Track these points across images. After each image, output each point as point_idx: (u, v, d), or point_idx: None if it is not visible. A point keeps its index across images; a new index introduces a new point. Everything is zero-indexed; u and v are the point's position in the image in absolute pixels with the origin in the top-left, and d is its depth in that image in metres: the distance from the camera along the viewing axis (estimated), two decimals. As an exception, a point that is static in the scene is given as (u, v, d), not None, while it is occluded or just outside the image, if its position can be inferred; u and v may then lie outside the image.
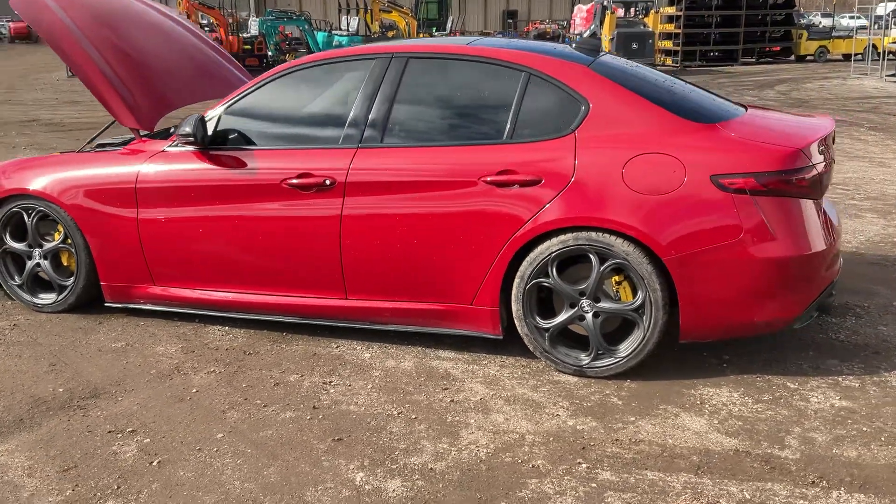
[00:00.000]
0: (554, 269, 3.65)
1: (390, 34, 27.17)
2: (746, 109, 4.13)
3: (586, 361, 3.70)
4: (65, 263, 4.60)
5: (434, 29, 30.40)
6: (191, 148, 4.15)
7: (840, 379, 3.68)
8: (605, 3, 25.54)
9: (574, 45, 4.23)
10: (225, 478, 2.96)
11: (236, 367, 3.90)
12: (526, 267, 3.69)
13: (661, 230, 3.47)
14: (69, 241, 4.46)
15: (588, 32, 26.01)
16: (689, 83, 4.29)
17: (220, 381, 3.74)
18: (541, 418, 3.36)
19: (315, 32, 27.28)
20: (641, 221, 3.48)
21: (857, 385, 3.61)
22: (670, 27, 28.28)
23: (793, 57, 29.89)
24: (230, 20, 26.52)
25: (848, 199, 7.33)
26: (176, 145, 4.22)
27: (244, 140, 4.18)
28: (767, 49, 29.58)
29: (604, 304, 3.65)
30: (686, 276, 3.49)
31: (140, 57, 4.88)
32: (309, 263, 4.03)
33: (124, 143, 4.70)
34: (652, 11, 29.06)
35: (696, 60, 28.04)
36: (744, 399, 3.50)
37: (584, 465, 3.00)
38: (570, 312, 3.69)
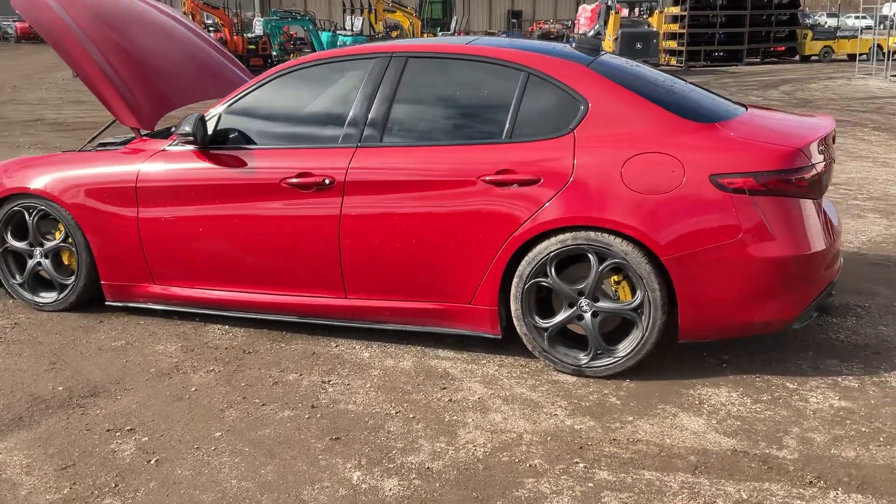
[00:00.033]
0: (552, 269, 3.65)
1: (394, 34, 27.19)
2: (746, 109, 4.13)
3: (585, 361, 3.70)
4: (66, 262, 4.62)
5: (438, 29, 30.40)
6: (190, 147, 4.16)
7: (839, 379, 3.67)
8: (610, 2, 25.53)
9: (574, 44, 4.22)
10: (222, 476, 2.96)
11: (235, 365, 3.91)
12: (525, 266, 3.69)
13: (659, 230, 3.47)
14: (70, 239, 4.48)
15: (592, 32, 26.01)
16: (690, 83, 4.28)
17: (219, 380, 3.74)
18: (539, 418, 3.36)
19: (319, 32, 27.31)
20: (640, 221, 3.48)
21: (856, 385, 3.61)
22: (674, 27, 28.25)
23: (797, 57, 29.84)
24: (235, 20, 26.58)
25: (851, 199, 7.32)
26: (176, 144, 4.23)
27: (244, 139, 4.19)
28: (772, 49, 29.54)
29: (602, 304, 3.64)
30: (685, 275, 3.48)
31: (141, 56, 4.89)
32: (308, 263, 4.03)
33: (125, 143, 4.71)
34: (656, 11, 29.02)
35: (701, 60, 28.00)
36: (742, 399, 3.49)
37: (581, 465, 3.00)
38: (569, 312, 3.69)
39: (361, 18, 28.45)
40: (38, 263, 4.61)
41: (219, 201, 4.11)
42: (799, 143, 3.56)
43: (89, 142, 5.23)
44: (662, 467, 2.98)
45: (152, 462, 3.06)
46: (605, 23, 25.25)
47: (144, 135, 4.80)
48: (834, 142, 4.02)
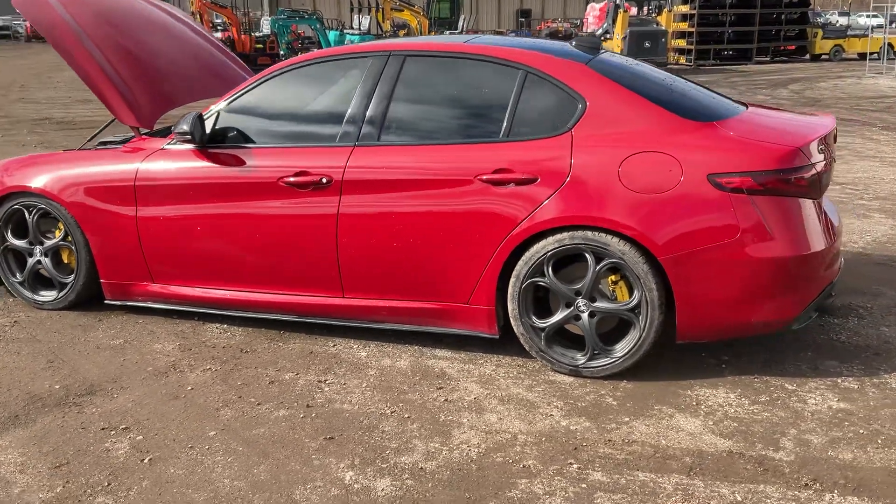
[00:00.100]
0: (550, 269, 3.63)
1: (402, 33, 27.20)
2: (747, 108, 4.10)
3: (582, 361, 3.68)
4: (65, 261, 4.62)
5: (446, 28, 30.38)
6: (189, 146, 4.16)
7: (839, 380, 3.64)
8: (618, 1, 25.45)
9: (574, 42, 4.20)
10: (215, 475, 2.96)
11: (232, 364, 3.90)
12: (522, 266, 3.67)
13: (657, 229, 3.44)
14: (69, 238, 4.49)
15: (600, 31, 25.94)
16: (692, 81, 4.26)
17: (215, 379, 3.74)
18: (534, 418, 3.34)
19: (327, 31, 27.33)
20: (637, 220, 3.46)
21: (855, 387, 3.57)
22: (684, 25, 28.14)
23: (808, 56, 29.68)
24: (244, 19, 26.64)
25: (857, 198, 7.27)
26: (174, 143, 4.23)
27: (242, 138, 4.18)
28: (782, 48, 29.39)
29: (600, 304, 3.62)
30: (682, 275, 3.46)
31: (141, 55, 4.90)
32: (306, 262, 4.03)
33: (125, 141, 4.72)
34: (665, 10, 28.92)
35: (710, 59, 27.89)
36: (740, 400, 3.47)
37: (575, 466, 2.98)
38: (566, 312, 3.67)
39: (369, 17, 28.45)
40: (38, 262, 4.63)
41: (217, 200, 4.11)
42: (798, 143, 3.53)
43: (89, 140, 5.24)
44: (657, 468, 2.96)
45: (146, 461, 3.06)
46: (614, 21, 25.17)
47: (144, 133, 4.80)
48: (835, 141, 3.99)
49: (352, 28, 29.50)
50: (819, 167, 3.55)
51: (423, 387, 3.64)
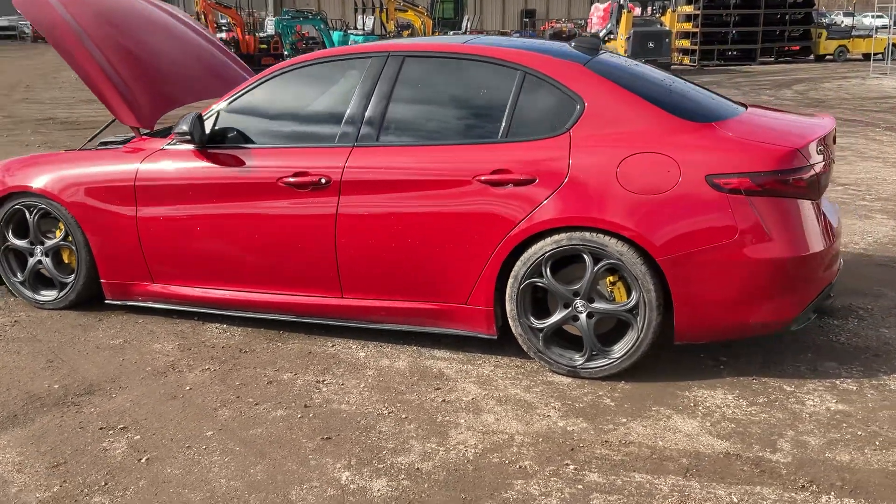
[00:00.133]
0: (548, 269, 3.63)
1: (405, 33, 27.19)
2: (746, 108, 4.09)
3: (580, 362, 3.68)
4: (66, 261, 4.64)
5: (449, 29, 30.37)
6: (188, 146, 4.17)
7: (838, 382, 3.63)
8: (622, 1, 25.42)
9: (573, 43, 4.19)
10: (212, 475, 2.96)
11: (231, 364, 3.91)
12: (520, 267, 3.67)
13: (655, 230, 3.44)
14: (70, 238, 4.50)
15: (604, 31, 25.92)
16: (690, 82, 4.25)
17: (213, 379, 3.75)
18: (531, 419, 3.34)
19: (331, 32, 27.35)
20: (635, 221, 3.46)
21: (854, 388, 3.57)
22: (688, 26, 28.11)
23: (812, 56, 29.62)
24: (249, 20, 26.67)
25: (859, 199, 7.25)
26: (174, 144, 4.24)
27: (242, 138, 4.19)
28: (786, 48, 29.33)
29: (598, 305, 3.62)
30: (680, 276, 3.46)
31: (142, 55, 4.91)
32: (305, 262, 4.03)
33: (126, 141, 4.73)
34: (669, 10, 28.88)
35: (714, 60, 27.85)
36: (738, 401, 3.46)
37: (571, 467, 2.98)
38: (564, 313, 3.67)
39: (373, 18, 28.47)
40: (39, 262, 4.64)
41: (216, 200, 4.11)
42: (797, 143, 3.52)
43: (89, 140, 5.26)
44: (653, 470, 2.96)
45: (143, 461, 3.07)
46: (618, 22, 25.14)
47: (144, 134, 4.81)
48: (834, 142, 3.98)
49: (356, 28, 29.53)
50: (818, 168, 3.54)
51: (421, 387, 3.64)
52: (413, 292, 3.91)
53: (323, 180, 3.89)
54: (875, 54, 24.71)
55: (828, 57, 29.58)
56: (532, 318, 3.72)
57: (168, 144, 4.28)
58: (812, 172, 3.50)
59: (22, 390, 3.67)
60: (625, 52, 23.44)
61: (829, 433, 3.19)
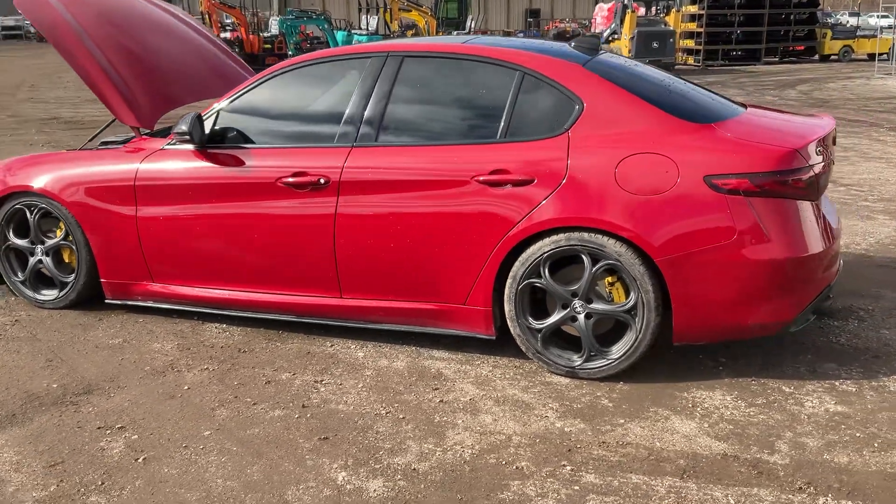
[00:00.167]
0: (546, 270, 3.62)
1: (409, 33, 27.20)
2: (746, 108, 4.08)
3: (578, 363, 3.67)
4: (66, 260, 4.64)
5: (454, 28, 30.36)
6: (188, 146, 4.17)
7: (837, 383, 3.62)
8: (626, 1, 25.38)
9: (573, 43, 4.19)
10: (208, 475, 2.97)
11: (230, 364, 3.91)
12: (518, 267, 3.66)
13: (653, 231, 3.43)
14: (70, 238, 4.51)
15: (608, 31, 25.89)
16: (689, 82, 4.24)
17: (212, 379, 3.75)
18: (529, 419, 3.34)
19: (335, 32, 27.37)
20: (634, 222, 3.45)
21: (853, 390, 3.55)
22: (692, 26, 28.07)
23: (817, 56, 29.55)
24: (254, 19, 26.69)
25: (861, 200, 7.23)
26: (174, 144, 4.24)
27: (241, 138, 4.19)
28: (791, 48, 29.27)
29: (596, 306, 3.61)
30: (679, 277, 3.45)
31: (142, 54, 4.92)
32: (304, 262, 4.03)
33: (126, 141, 4.74)
34: (673, 10, 28.83)
35: (719, 60, 27.80)
36: (737, 403, 3.45)
37: (568, 468, 2.98)
38: (563, 313, 3.66)
39: (377, 18, 28.48)
40: (40, 261, 4.65)
41: (216, 200, 4.12)
42: (796, 144, 3.51)
43: (90, 140, 5.27)
44: (650, 471, 2.95)
45: (140, 460, 3.07)
46: (622, 22, 25.10)
47: (144, 134, 4.82)
48: (834, 143, 3.97)
49: (359, 28, 29.54)
50: (817, 169, 3.53)
51: (419, 387, 3.64)
52: (412, 292, 3.90)
53: (322, 180, 3.89)
54: (880, 54, 24.62)
55: (832, 57, 29.52)
56: (530, 319, 3.72)
57: (168, 144, 4.29)
58: (811, 173, 3.49)
59: (21, 389, 3.68)
60: (629, 52, 23.43)
61: (828, 435, 3.18)
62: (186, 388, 3.67)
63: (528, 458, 3.05)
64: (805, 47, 29.55)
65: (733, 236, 3.39)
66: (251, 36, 25.31)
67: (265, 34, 27.00)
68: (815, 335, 4.13)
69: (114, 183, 4.33)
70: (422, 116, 4.00)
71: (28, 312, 4.64)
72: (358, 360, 3.94)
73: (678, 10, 28.76)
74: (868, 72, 23.54)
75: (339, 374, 3.79)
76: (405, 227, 3.80)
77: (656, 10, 29.64)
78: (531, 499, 2.79)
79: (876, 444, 3.11)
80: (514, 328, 3.76)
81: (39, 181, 4.50)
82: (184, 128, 4.05)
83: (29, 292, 4.72)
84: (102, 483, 2.92)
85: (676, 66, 25.22)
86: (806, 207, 3.51)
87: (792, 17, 28.94)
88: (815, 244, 3.51)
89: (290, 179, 3.94)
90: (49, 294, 4.68)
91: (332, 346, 4.11)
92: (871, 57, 26.98)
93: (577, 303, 3.63)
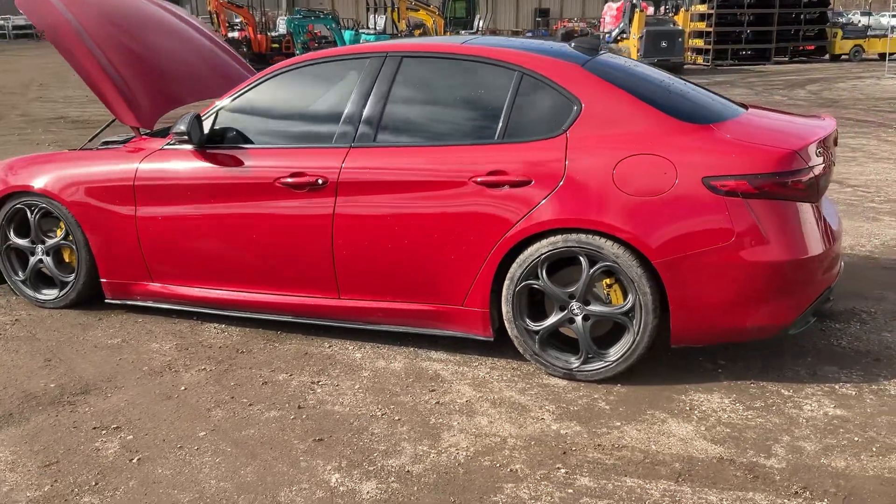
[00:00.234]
0: (544, 271, 3.60)
1: (417, 32, 27.17)
2: (747, 109, 4.05)
3: (576, 365, 3.65)
4: (66, 260, 4.65)
5: (461, 28, 30.33)
6: (187, 146, 4.17)
7: (837, 386, 3.59)
8: (635, 0, 25.29)
9: (573, 43, 4.17)
10: (202, 476, 2.96)
11: (227, 365, 3.91)
12: (516, 268, 3.65)
13: (651, 232, 3.41)
14: (70, 237, 4.52)
15: (616, 31, 25.81)
16: (689, 82, 4.22)
17: (209, 379, 3.75)
18: (525, 422, 3.32)
19: (342, 31, 27.38)
20: (631, 224, 3.43)
21: (853, 393, 3.52)
22: (701, 25, 27.93)
23: (827, 56, 29.35)
24: (263, 18, 26.73)
25: (867, 201, 7.18)
26: (173, 144, 4.24)
27: (240, 138, 4.19)
28: (801, 48, 29.07)
29: (593, 307, 3.59)
30: (676, 279, 3.42)
31: (143, 54, 4.92)
32: (302, 263, 4.03)
33: (127, 141, 4.75)
34: (682, 9, 28.71)
35: (728, 59, 27.65)
36: (734, 405, 3.43)
37: (562, 471, 2.96)
38: (560, 315, 3.65)
39: (384, 17, 28.48)
40: (40, 261, 4.66)
41: (214, 201, 4.12)
42: (795, 145, 3.48)
43: (90, 140, 5.28)
44: (645, 474, 2.93)
45: (134, 461, 3.07)
46: (630, 21, 25.00)
47: (145, 134, 4.83)
48: (836, 144, 3.93)
49: (367, 28, 29.55)
50: (817, 170, 3.50)
51: (416, 389, 3.63)
52: (410, 293, 3.89)
53: (320, 181, 3.89)
54: (891, 54, 24.39)
55: (843, 57, 29.30)
56: (528, 321, 3.70)
57: (167, 144, 4.29)
58: (811, 175, 3.46)
59: (19, 389, 3.69)
60: (637, 52, 23.35)
61: (826, 439, 3.16)
62: (183, 388, 3.67)
63: (522, 460, 3.04)
64: (815, 47, 29.34)
65: (731, 238, 3.36)
66: (259, 35, 25.34)
67: (273, 33, 27.02)
68: (815, 338, 4.10)
69: (113, 183, 4.33)
70: (420, 117, 3.99)
71: (28, 312, 4.65)
72: (355, 361, 3.93)
73: (687, 10, 28.62)
74: (878, 72, 23.38)
75: (337, 375, 3.78)
76: (403, 228, 3.79)
77: (665, 9, 29.51)
78: (524, 501, 2.78)
79: (874, 449, 3.08)
80: (511, 330, 3.74)
81: (40, 181, 4.52)
82: (182, 128, 4.05)
83: (29, 292, 4.73)
84: (96, 483, 2.92)
85: (685, 66, 25.12)
86: (805, 209, 3.48)
87: (802, 16, 28.75)
88: (815, 246, 3.48)
89: (289, 180, 3.94)
90: (49, 294, 4.69)
91: (330, 346, 4.10)
92: (882, 57, 26.78)
93: (574, 304, 3.61)
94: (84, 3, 4.91)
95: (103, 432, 3.29)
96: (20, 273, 4.74)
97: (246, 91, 4.24)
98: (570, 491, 2.84)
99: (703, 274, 3.41)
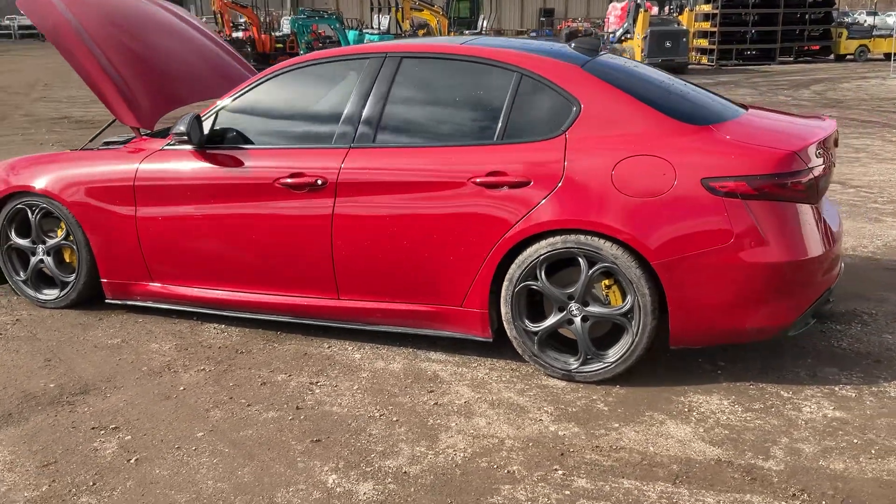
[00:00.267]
0: (542, 272, 3.60)
1: (421, 32, 27.17)
2: (747, 110, 4.04)
3: (575, 366, 3.65)
4: (67, 260, 4.66)
5: (465, 28, 30.31)
6: (187, 147, 4.18)
7: (837, 388, 3.58)
8: (639, 0, 25.25)
9: (572, 44, 4.16)
10: (199, 477, 2.97)
11: (226, 365, 3.91)
12: (515, 269, 3.64)
13: (649, 234, 3.40)
14: (71, 237, 4.52)
15: (621, 30, 25.78)
16: (690, 82, 4.21)
17: (208, 380, 3.75)
18: (523, 423, 3.32)
19: (346, 31, 27.40)
20: (630, 225, 3.42)
21: (853, 395, 3.51)
22: (706, 25, 27.87)
23: (832, 56, 29.27)
24: (268, 18, 26.76)
25: (870, 202, 7.15)
26: (172, 144, 4.25)
27: (240, 139, 4.19)
28: (806, 48, 29.00)
29: (592, 308, 3.59)
30: (675, 280, 3.42)
31: (144, 54, 4.93)
32: (302, 263, 4.03)
33: (128, 142, 4.75)
34: (687, 9, 28.65)
35: (733, 59, 27.59)
36: (733, 407, 3.42)
37: (560, 472, 2.96)
38: (559, 316, 3.64)
39: (388, 17, 28.48)
40: (41, 261, 4.67)
41: (214, 201, 4.12)
42: (795, 146, 3.47)
43: (91, 140, 5.29)
44: (643, 476, 2.92)
45: (132, 461, 3.07)
46: (635, 21, 24.97)
47: (145, 134, 4.83)
48: (836, 145, 3.92)
49: (371, 28, 29.56)
50: (817, 171, 3.49)
51: (415, 390, 3.63)
52: (409, 294, 3.89)
53: (319, 181, 3.89)
54: (896, 54, 24.34)
55: (848, 57, 29.23)
56: (527, 322, 3.70)
57: (167, 145, 4.29)
58: (810, 176, 3.45)
59: (18, 389, 3.69)
60: (641, 52, 23.31)
61: (825, 441, 3.15)
62: (182, 388, 3.67)
63: (520, 461, 3.03)
64: (820, 47, 29.26)
65: (730, 239, 3.35)
66: (263, 35, 25.39)
67: (277, 33, 27.06)
68: (816, 339, 4.09)
69: (113, 183, 4.34)
70: (419, 117, 3.99)
71: (29, 312, 4.66)
72: (354, 362, 3.93)
73: (691, 10, 28.56)
74: (884, 72, 23.31)
75: (335, 375, 3.78)
76: (402, 229, 3.79)
77: (669, 9, 29.45)
78: (521, 503, 2.77)
79: (873, 451, 3.07)
80: (510, 331, 3.74)
81: (41, 181, 4.52)
82: (182, 129, 4.06)
83: (30, 292, 4.74)
84: (94, 483, 2.93)
85: (690, 66, 25.07)
86: (805, 210, 3.47)
87: (807, 16, 28.68)
88: (814, 247, 3.47)
89: (288, 180, 3.94)
90: (50, 294, 4.70)
91: (329, 347, 4.10)
92: (888, 57, 26.69)
93: (573, 306, 3.60)
94: (85, 3, 4.91)
95: (102, 432, 3.29)
96: (21, 273, 4.76)
97: (246, 91, 4.25)
98: (567, 492, 2.83)
99: (701, 275, 3.40)
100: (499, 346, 3.92)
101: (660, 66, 19.96)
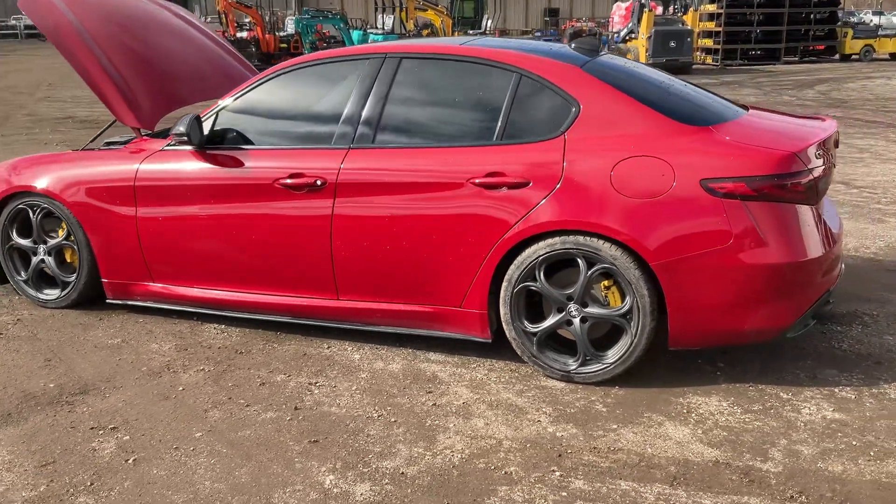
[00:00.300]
0: (541, 273, 3.60)
1: (425, 32, 27.17)
2: (747, 110, 4.03)
3: (574, 367, 3.64)
4: (68, 260, 4.67)
5: (469, 28, 30.29)
6: (187, 147, 4.18)
7: (836, 390, 3.56)
8: (644, 0, 25.20)
9: (572, 44, 4.16)
10: (197, 477, 2.97)
11: (226, 365, 3.92)
12: (514, 270, 3.64)
13: (648, 235, 3.40)
14: (72, 237, 4.53)
15: (626, 30, 25.73)
16: (690, 83, 4.20)
17: (207, 380, 3.76)
18: (521, 424, 3.31)
19: (350, 31, 27.41)
20: (629, 226, 3.41)
21: (853, 397, 3.50)
22: (710, 25, 27.82)
23: (837, 56, 29.19)
24: (273, 18, 26.79)
25: (873, 202, 7.13)
26: (173, 145, 4.25)
27: (240, 139, 4.20)
28: (811, 48, 28.92)
29: (591, 309, 3.58)
30: (674, 281, 3.41)
31: (145, 55, 4.94)
32: (301, 263, 4.03)
33: (129, 142, 4.76)
34: (691, 9, 28.60)
35: (737, 59, 27.53)
36: (732, 409, 3.41)
37: (557, 473, 2.95)
38: (558, 317, 3.64)
39: (393, 17, 28.49)
40: (42, 261, 4.68)
41: (214, 201, 4.13)
42: (795, 147, 3.46)
43: (91, 141, 5.30)
44: (640, 478, 2.92)
45: (130, 461, 3.08)
46: (639, 21, 24.93)
47: (146, 134, 4.84)
48: (837, 145, 3.91)
49: (375, 28, 29.57)
50: (816, 173, 3.48)
51: (413, 390, 3.63)
52: (408, 295, 3.89)
53: (318, 182, 3.89)
54: (901, 54, 24.28)
55: (853, 56, 29.14)
56: (526, 322, 3.69)
57: (167, 145, 4.30)
58: (810, 177, 3.44)
59: (18, 389, 3.70)
60: (646, 52, 23.27)
61: (824, 442, 3.14)
62: (181, 389, 3.68)
63: (517, 463, 3.03)
64: (825, 46, 29.18)
65: (729, 240, 3.34)
66: (267, 35, 25.41)
67: (281, 33, 27.09)
68: (816, 340, 4.08)
69: (114, 183, 4.35)
70: (419, 118, 3.98)
71: (30, 312, 4.67)
72: (353, 363, 3.93)
73: (696, 9, 28.51)
74: (889, 71, 23.24)
75: (334, 376, 3.79)
76: (401, 229, 3.79)
77: (674, 9, 29.39)
78: (518, 505, 2.77)
79: (872, 453, 3.06)
80: (509, 331, 3.73)
81: (42, 181, 4.54)
82: (181, 129, 4.06)
83: (32, 292, 4.75)
84: (91, 484, 2.93)
85: (694, 66, 25.03)
86: (805, 211, 3.46)
87: (812, 15, 28.60)
88: (814, 249, 3.46)
89: (288, 181, 3.94)
90: (51, 293, 4.71)
91: (328, 348, 4.10)
92: (893, 56, 26.63)
93: (572, 306, 3.60)
94: (85, 3, 4.92)
95: (100, 432, 3.30)
96: (22, 273, 4.77)
97: (246, 92, 4.25)
98: (564, 494, 2.83)
99: (700, 276, 3.39)
100: (498, 347, 3.92)
101: (664, 65, 19.93)
